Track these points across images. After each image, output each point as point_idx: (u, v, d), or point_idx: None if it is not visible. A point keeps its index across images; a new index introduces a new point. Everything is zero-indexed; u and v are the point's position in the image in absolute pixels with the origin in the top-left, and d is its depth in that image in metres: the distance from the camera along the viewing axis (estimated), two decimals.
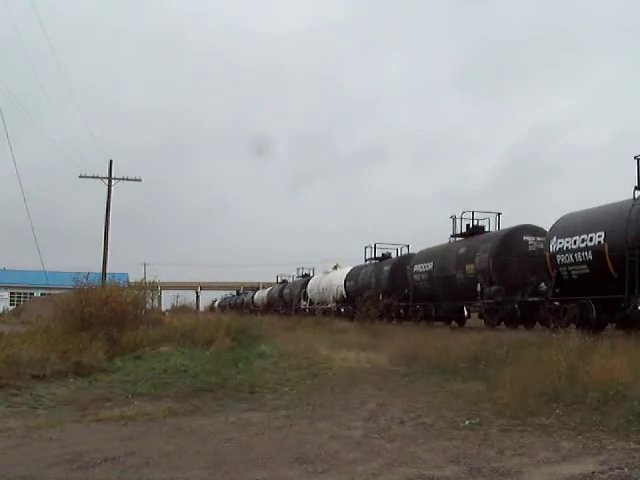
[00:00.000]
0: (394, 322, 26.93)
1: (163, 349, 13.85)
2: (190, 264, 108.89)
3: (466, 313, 24.56)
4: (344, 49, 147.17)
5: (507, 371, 8.70)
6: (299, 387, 9.52)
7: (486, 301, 20.18)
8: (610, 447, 5.42)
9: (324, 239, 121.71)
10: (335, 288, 36.14)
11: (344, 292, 34.80)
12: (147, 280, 26.49)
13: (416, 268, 25.71)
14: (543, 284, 18.31)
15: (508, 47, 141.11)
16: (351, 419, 7.03)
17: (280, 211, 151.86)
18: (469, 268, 21.34)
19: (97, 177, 33.60)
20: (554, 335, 10.16)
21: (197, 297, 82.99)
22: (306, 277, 46.98)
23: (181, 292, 65.65)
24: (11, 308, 52.26)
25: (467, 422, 6.60)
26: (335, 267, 40.65)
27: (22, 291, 60.89)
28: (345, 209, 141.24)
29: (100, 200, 33.50)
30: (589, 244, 15.28)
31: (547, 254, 17.01)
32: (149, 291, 23.72)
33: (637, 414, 6.21)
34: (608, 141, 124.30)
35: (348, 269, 35.97)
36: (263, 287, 63.82)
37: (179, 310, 42.47)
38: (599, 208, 16.04)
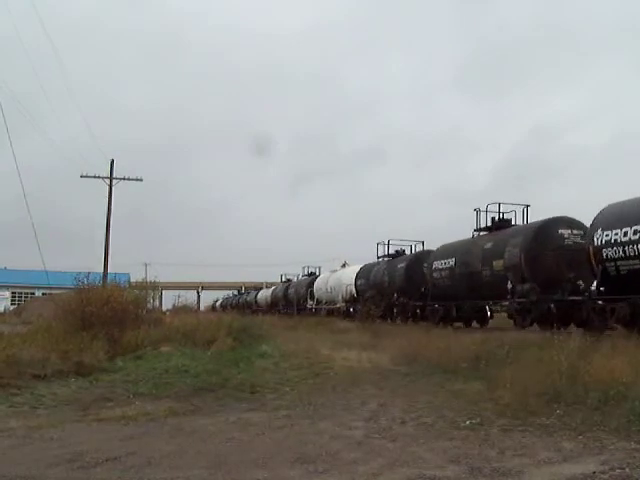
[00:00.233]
0: (409, 322, 25.35)
1: (164, 349, 13.86)
2: (191, 264, 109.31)
3: (489, 313, 23.06)
4: (344, 49, 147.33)
5: (508, 371, 8.70)
6: (300, 387, 9.52)
7: (517, 300, 18.44)
8: (611, 447, 5.42)
9: (324, 239, 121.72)
10: (344, 287, 34.57)
11: (354, 291, 33.27)
12: (148, 280, 26.57)
13: (435, 265, 23.91)
14: (581, 281, 17.06)
15: (508, 47, 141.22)
16: (352, 419, 7.03)
17: (280, 211, 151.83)
18: (497, 264, 19.63)
19: (98, 177, 33.65)
20: (555, 335, 10.16)
21: (198, 297, 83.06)
22: (312, 276, 45.39)
23: (182, 292, 65.55)
24: (12, 308, 52.24)
25: (468, 422, 6.60)
26: (344, 265, 39.47)
27: (23, 291, 60.92)
28: (345, 209, 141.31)
29: (101, 200, 33.56)
30: None
31: (590, 248, 15.38)
32: (150, 291, 23.74)
33: (638, 414, 6.20)
34: (608, 141, 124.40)
35: (358, 267, 34.50)
36: (267, 286, 62.72)
37: (180, 310, 42.48)
38: None
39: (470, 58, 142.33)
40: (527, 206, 20.86)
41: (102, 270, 30.98)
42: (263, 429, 6.53)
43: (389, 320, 27.92)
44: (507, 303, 19.95)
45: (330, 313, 35.57)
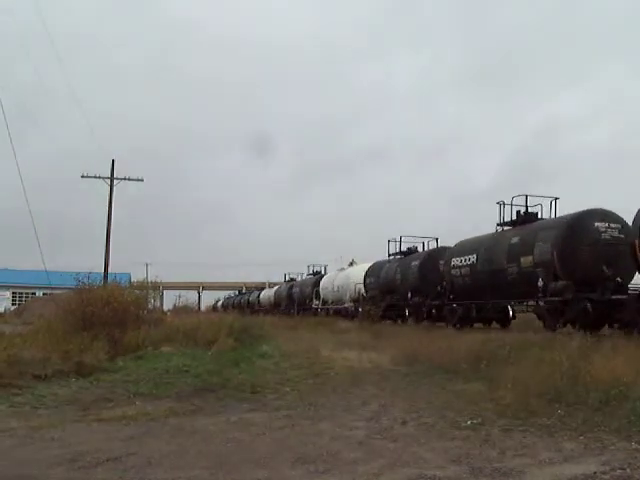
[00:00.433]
0: (424, 323, 23.97)
1: (165, 349, 13.88)
2: (192, 264, 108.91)
3: (511, 313, 21.39)
4: (346, 50, 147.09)
5: (509, 371, 8.70)
6: (301, 387, 9.52)
7: (550, 299, 16.96)
8: (612, 447, 5.42)
9: (325, 239, 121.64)
10: (353, 286, 33.11)
11: (363, 290, 31.81)
12: (149, 280, 26.56)
13: (454, 262, 22.33)
14: (619, 278, 15.85)
15: (511, 48, 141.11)
16: (353, 419, 7.03)
17: (281, 211, 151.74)
18: (525, 261, 18.12)
19: (99, 177, 33.69)
20: (557, 336, 10.14)
21: (199, 297, 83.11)
22: (317, 275, 44.00)
23: (183, 292, 65.48)
24: (13, 308, 52.31)
25: (469, 422, 6.60)
26: (351, 263, 38.28)
27: (24, 291, 60.96)
28: (346, 209, 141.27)
29: (102, 200, 33.59)
30: None
31: (637, 242, 14.19)
32: (151, 291, 23.74)
33: (639, 414, 6.20)
34: (609, 142, 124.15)
35: (367, 265, 33.18)
36: (269, 286, 61.44)
37: (181, 310, 42.46)
38: None
39: (473, 59, 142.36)
40: (556, 199, 19.28)
41: (103, 270, 31.02)
42: (264, 429, 6.53)
43: (399, 321, 27.13)
44: (536, 303, 18.49)
45: (337, 313, 34.48)
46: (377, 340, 16.17)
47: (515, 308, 21.25)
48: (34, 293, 56.47)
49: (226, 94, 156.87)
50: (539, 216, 19.76)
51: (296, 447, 5.72)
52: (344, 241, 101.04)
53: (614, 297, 15.46)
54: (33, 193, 24.98)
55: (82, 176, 33.55)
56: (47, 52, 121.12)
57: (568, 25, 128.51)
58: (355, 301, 32.49)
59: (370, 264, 32.76)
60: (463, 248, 22.47)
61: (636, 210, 14.65)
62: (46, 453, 5.57)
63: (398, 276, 27.55)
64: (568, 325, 16.47)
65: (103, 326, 14.61)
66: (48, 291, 39.53)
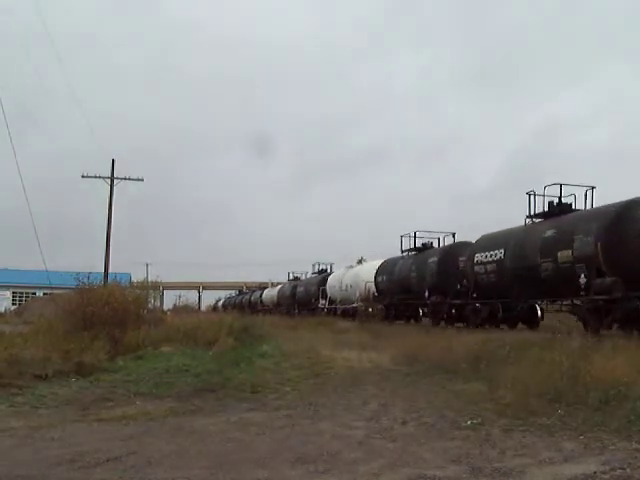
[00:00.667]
0: (442, 324, 22.61)
1: (165, 349, 13.88)
2: (192, 264, 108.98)
3: (539, 313, 19.51)
4: (346, 50, 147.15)
5: (509, 371, 8.70)
6: (301, 387, 9.52)
7: (594, 297, 15.27)
8: (612, 447, 5.41)
9: (325, 239, 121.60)
10: (363, 285, 31.13)
11: (374, 289, 29.87)
12: (149, 280, 26.56)
13: (478, 257, 20.46)
14: None
15: (511, 48, 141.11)
16: (353, 419, 7.03)
17: (281, 211, 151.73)
18: (563, 255, 16.34)
19: (99, 177, 33.69)
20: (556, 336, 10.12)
21: (199, 297, 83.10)
22: (323, 273, 41.95)
23: (183, 292, 65.47)
24: (13, 308, 52.32)
25: (469, 422, 6.60)
26: (360, 261, 36.57)
27: (24, 291, 60.96)
28: (346, 209, 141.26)
29: (102, 200, 33.60)
30: None
31: None
32: (151, 291, 23.75)
33: (639, 414, 6.20)
34: (609, 142, 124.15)
35: (378, 262, 31.13)
36: (272, 285, 59.16)
37: (181, 310, 42.44)
38: None
39: (473, 59, 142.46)
40: (592, 188, 17.53)
41: (103, 270, 31.03)
42: (264, 429, 6.53)
43: (412, 321, 26.20)
44: (571, 302, 17.02)
45: (345, 313, 32.91)
46: (377, 340, 16.16)
47: (543, 307, 19.45)
48: (34, 293, 56.49)
49: (226, 94, 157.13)
50: (573, 207, 17.96)
51: (296, 447, 5.72)
52: (344, 241, 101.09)
53: None
54: (33, 193, 25.04)
55: (82, 176, 33.58)
56: (47, 52, 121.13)
57: (568, 25, 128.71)
58: (365, 300, 30.66)
59: (381, 261, 30.90)
60: (488, 243, 20.50)
61: None
62: (46, 453, 5.57)
63: (414, 274, 25.67)
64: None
65: (103, 326, 14.61)
66: (48, 291, 39.53)
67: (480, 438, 5.92)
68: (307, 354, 13.24)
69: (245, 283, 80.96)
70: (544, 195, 18.23)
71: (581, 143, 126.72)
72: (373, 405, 7.92)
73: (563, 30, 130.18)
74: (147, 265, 62.41)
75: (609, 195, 16.86)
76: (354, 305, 31.83)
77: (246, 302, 64.22)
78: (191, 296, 66.78)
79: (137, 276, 36.22)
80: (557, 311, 18.98)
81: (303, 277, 48.08)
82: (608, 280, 14.90)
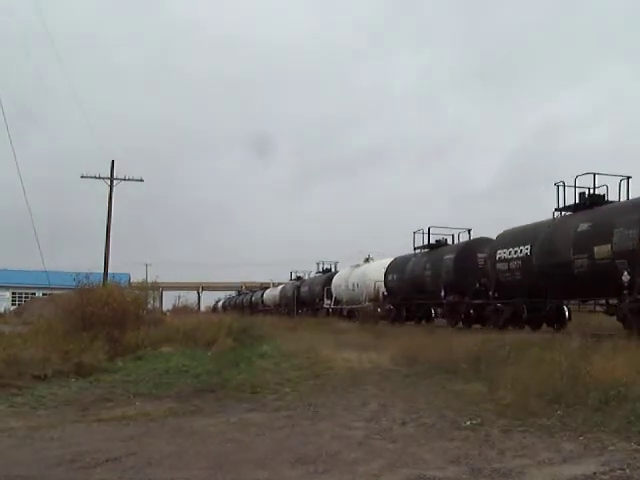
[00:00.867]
0: (460, 325, 21.44)
1: (164, 349, 13.89)
2: (191, 264, 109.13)
3: (567, 313, 18.01)
4: (346, 50, 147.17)
5: (508, 372, 8.69)
6: (301, 387, 9.51)
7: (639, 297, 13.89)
8: (611, 448, 5.41)
9: (325, 239, 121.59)
10: (371, 284, 29.85)
11: (384, 288, 28.59)
12: (149, 280, 26.57)
13: (500, 254, 19.09)
14: None
15: (511, 48, 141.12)
16: (352, 419, 7.03)
17: (281, 211, 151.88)
18: (600, 251, 15.05)
19: (99, 177, 33.68)
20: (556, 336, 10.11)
21: (199, 297, 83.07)
22: (328, 272, 40.72)
23: (182, 292, 65.44)
24: (13, 308, 52.31)
25: (468, 422, 6.60)
26: (367, 259, 34.71)
27: (24, 291, 60.96)
28: (346, 209, 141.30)
29: (102, 200, 33.59)
30: None
31: None
32: (150, 291, 23.76)
33: (638, 415, 6.19)
34: (609, 142, 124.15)
35: (387, 260, 29.79)
36: (274, 285, 57.73)
37: (180, 310, 42.42)
38: None
39: (473, 59, 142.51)
40: (628, 178, 16.18)
41: (102, 270, 31.02)
42: (263, 429, 6.53)
43: (424, 322, 25.30)
44: (605, 302, 15.85)
45: (352, 314, 31.40)
46: (377, 340, 16.14)
47: (571, 308, 18.12)
48: (34, 293, 56.51)
49: (226, 94, 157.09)
50: (606, 199, 16.65)
51: (296, 447, 5.71)
52: (344, 241, 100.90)
53: None
54: (33, 193, 25.12)
55: (82, 176, 33.55)
56: (47, 52, 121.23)
57: (568, 25, 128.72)
58: (374, 300, 29.35)
59: (389, 259, 29.63)
60: (512, 238, 19.04)
61: None
62: (46, 453, 5.57)
63: (428, 272, 24.25)
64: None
65: (103, 326, 14.62)
66: (48, 291, 39.58)
67: (480, 439, 5.92)
68: (307, 354, 13.22)
69: (245, 283, 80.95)
70: (575, 186, 16.96)
71: (581, 143, 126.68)
72: (373, 405, 7.92)
73: (563, 30, 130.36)
74: (146, 265, 62.50)
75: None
76: (363, 305, 30.42)
77: (247, 302, 63.45)
78: (190, 296, 66.78)
79: (136, 276, 36.29)
80: (590, 312, 17.80)
81: (306, 277, 46.75)
82: None
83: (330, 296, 36.35)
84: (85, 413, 7.67)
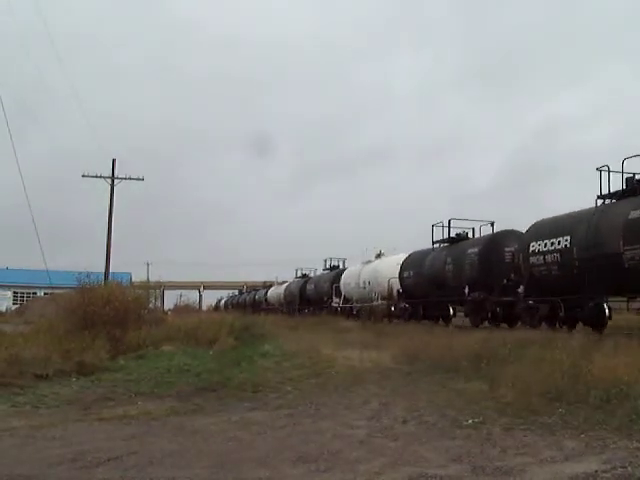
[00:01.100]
0: (484, 324, 20.14)
1: (166, 348, 13.88)
2: (192, 263, 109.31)
3: (607, 312, 15.64)
4: (347, 50, 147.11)
5: (510, 370, 8.69)
6: (302, 386, 9.51)
7: None
8: (613, 446, 5.40)
9: (326, 239, 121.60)
10: (385, 281, 28.33)
11: (399, 286, 27.32)
12: (150, 280, 26.57)
13: (534, 247, 17.56)
14: None
15: (512, 48, 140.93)
16: (354, 418, 7.03)
17: (282, 211, 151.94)
18: None
19: (100, 176, 33.70)
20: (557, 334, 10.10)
21: (200, 296, 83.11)
22: (336, 269, 39.31)
23: (184, 292, 65.42)
24: (14, 307, 52.36)
25: (470, 421, 6.59)
26: (379, 255, 32.56)
27: (25, 290, 61.01)
28: (347, 209, 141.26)
29: (103, 200, 33.61)
30: None
31: None
32: (152, 290, 23.74)
33: None
34: (609, 142, 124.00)
35: (401, 256, 28.37)
36: (278, 283, 56.04)
37: (182, 310, 42.40)
38: None
39: (473, 59, 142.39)
40: None
41: (103, 270, 31.04)
42: (265, 428, 6.53)
43: (441, 321, 24.00)
44: None
45: (363, 313, 29.34)
46: (378, 339, 16.14)
47: (611, 306, 15.98)
48: (35, 293, 56.59)
49: (226, 94, 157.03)
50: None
51: (297, 446, 5.71)
52: (344, 240, 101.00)
53: None
54: (34, 192, 25.11)
55: (83, 175, 33.64)
56: (47, 52, 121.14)
57: (568, 25, 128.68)
58: (387, 299, 28.06)
59: (403, 255, 28.28)
60: (548, 229, 17.53)
61: None
62: (47, 452, 5.57)
63: (449, 267, 22.78)
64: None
65: (104, 325, 14.63)
66: (49, 291, 39.56)
67: (481, 437, 5.91)
68: (308, 353, 13.21)
69: (246, 283, 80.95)
70: (622, 172, 15.53)
71: (581, 143, 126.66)
72: (374, 404, 7.91)
73: (563, 30, 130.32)
74: (148, 265, 62.55)
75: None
76: (375, 304, 29.06)
77: (250, 301, 62.37)
78: (192, 296, 66.77)
79: (138, 276, 36.34)
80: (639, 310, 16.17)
81: (312, 274, 45.34)
82: None
83: (339, 294, 34.96)
84: (87, 412, 7.67)
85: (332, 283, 36.43)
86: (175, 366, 11.35)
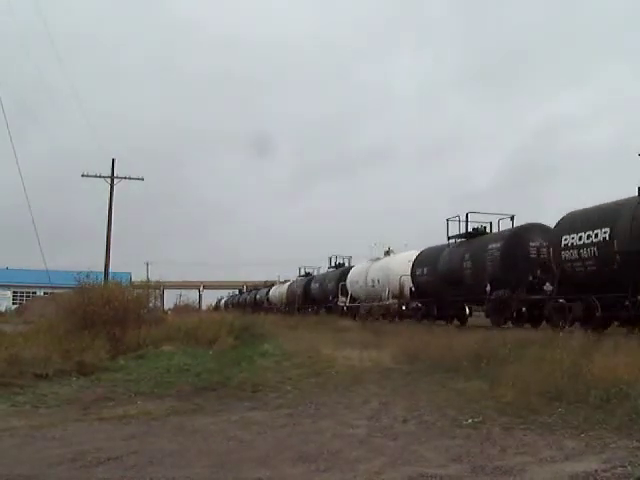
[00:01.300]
0: (508, 325, 18.79)
1: (166, 348, 13.87)
2: (192, 263, 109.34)
3: None
4: (347, 50, 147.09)
5: (510, 369, 8.69)
6: (302, 386, 9.51)
7: None
8: (613, 445, 5.41)
9: (326, 239, 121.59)
10: (395, 279, 27.10)
11: (411, 284, 26.19)
12: (150, 279, 26.53)
13: (567, 240, 16.18)
14: None
15: (512, 48, 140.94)
16: (354, 418, 7.02)
17: (282, 210, 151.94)
18: None
19: (100, 176, 33.69)
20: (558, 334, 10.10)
21: (200, 296, 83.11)
22: (341, 267, 38.11)
23: (183, 291, 65.35)
24: (14, 307, 52.33)
25: (470, 420, 6.59)
26: (388, 252, 31.06)
27: (25, 290, 61.00)
28: (347, 209, 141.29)
29: (103, 199, 33.60)
30: None
31: None
32: (152, 290, 23.72)
33: None
34: (611, 141, 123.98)
35: (412, 253, 27.01)
36: (280, 282, 54.63)
37: (182, 309, 42.38)
38: None
39: (473, 59, 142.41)
40: None
41: (103, 269, 31.02)
42: (265, 428, 6.53)
43: (457, 321, 23.11)
44: None
45: (372, 313, 28.38)
46: (378, 338, 16.14)
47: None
48: (35, 292, 56.55)
49: (226, 94, 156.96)
50: None
51: (297, 445, 5.71)
52: (344, 241, 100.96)
53: None
54: (34, 193, 25.05)
55: (82, 175, 33.63)
56: (47, 52, 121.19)
57: (568, 25, 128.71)
58: (398, 297, 26.86)
59: (415, 252, 26.92)
60: (583, 221, 16.12)
61: None
62: (47, 452, 5.57)
63: (467, 263, 21.38)
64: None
65: (104, 325, 14.62)
66: (49, 290, 39.53)
67: (481, 436, 5.92)
68: (308, 353, 13.21)
69: (245, 282, 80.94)
70: None
71: (581, 143, 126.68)
72: (374, 404, 7.91)
73: (563, 30, 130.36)
74: (147, 264, 62.52)
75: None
76: (386, 303, 27.82)
77: (250, 301, 61.60)
78: (192, 295, 66.75)
79: (137, 275, 36.29)
80: None
81: (315, 273, 44.03)
82: None
83: (345, 293, 33.57)
84: (86, 412, 7.66)
85: (338, 281, 35.14)
86: (175, 366, 11.35)
